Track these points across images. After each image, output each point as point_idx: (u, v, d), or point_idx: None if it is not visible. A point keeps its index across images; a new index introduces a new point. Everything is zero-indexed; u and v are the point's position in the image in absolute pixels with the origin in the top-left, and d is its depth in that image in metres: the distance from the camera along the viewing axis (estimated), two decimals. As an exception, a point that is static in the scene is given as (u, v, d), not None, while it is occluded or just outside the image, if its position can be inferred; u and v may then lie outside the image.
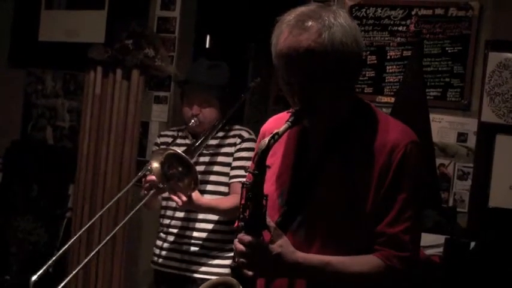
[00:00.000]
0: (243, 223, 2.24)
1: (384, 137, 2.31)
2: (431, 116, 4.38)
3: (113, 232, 4.00)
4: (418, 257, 2.36)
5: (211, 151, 3.86)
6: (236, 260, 2.26)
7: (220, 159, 3.85)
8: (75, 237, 4.14)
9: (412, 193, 2.30)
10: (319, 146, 2.38)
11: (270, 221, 2.26)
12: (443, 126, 4.64)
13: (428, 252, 3.76)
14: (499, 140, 4.49)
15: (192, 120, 3.84)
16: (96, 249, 3.80)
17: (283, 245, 2.23)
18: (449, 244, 3.73)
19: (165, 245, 3.94)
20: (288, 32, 2.23)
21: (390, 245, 2.27)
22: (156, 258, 3.99)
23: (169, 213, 3.96)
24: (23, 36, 6.07)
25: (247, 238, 2.21)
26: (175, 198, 3.62)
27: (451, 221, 4.18)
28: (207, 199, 3.73)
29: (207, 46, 6.30)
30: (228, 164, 3.84)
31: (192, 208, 3.73)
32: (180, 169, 3.65)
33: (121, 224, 4.09)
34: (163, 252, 3.94)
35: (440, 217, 4.06)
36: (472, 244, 3.78)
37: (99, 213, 4.20)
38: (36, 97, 6.11)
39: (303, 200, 2.34)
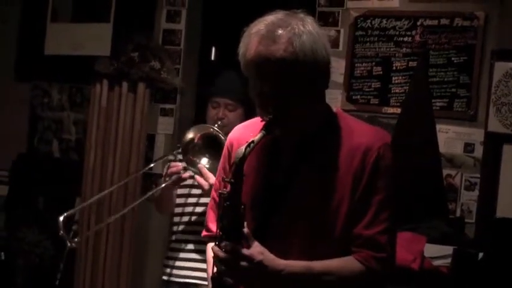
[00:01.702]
0: (221, 232, 2.25)
1: (356, 140, 2.33)
2: (438, 126, 4.38)
3: (123, 212, 4.05)
4: (395, 257, 2.37)
5: None
6: (216, 269, 2.27)
7: None
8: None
9: (388, 194, 2.31)
10: (292, 153, 2.38)
11: (247, 230, 2.26)
12: (450, 137, 4.63)
13: (436, 263, 3.74)
14: (506, 150, 4.47)
15: (216, 125, 3.85)
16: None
17: (264, 252, 2.24)
18: (457, 255, 3.71)
19: (172, 254, 3.95)
20: (258, 42, 2.22)
21: (367, 246, 2.29)
22: (168, 270, 3.99)
23: (185, 219, 3.96)
24: (28, 50, 6.07)
25: (229, 246, 2.21)
26: (202, 181, 3.63)
27: (458, 231, 4.17)
28: None
29: (213, 58, 6.30)
30: None
31: None
32: (210, 154, 3.73)
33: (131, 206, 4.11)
34: (177, 263, 3.95)
35: (447, 228, 4.05)
36: (480, 255, 3.76)
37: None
38: (42, 110, 6.11)
39: (277, 208, 2.35)
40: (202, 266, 3.81)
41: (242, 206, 2.23)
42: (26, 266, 5.93)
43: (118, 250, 5.50)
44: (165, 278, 4.00)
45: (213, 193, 2.60)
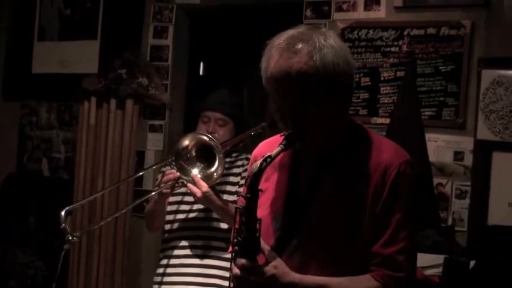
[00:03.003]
0: (237, 247, 2.24)
1: (377, 157, 2.31)
2: (427, 135, 4.37)
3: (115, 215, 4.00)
4: (414, 276, 2.35)
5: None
6: (232, 284, 2.25)
7: (231, 179, 3.86)
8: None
9: (407, 213, 2.29)
10: (312, 168, 2.36)
11: (265, 244, 2.25)
12: (440, 146, 4.62)
13: (428, 272, 3.73)
14: (495, 157, 4.46)
15: None
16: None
17: (278, 266, 2.22)
18: (448, 263, 3.70)
19: (165, 270, 3.91)
20: (278, 56, 2.22)
21: (385, 265, 2.26)
22: (158, 286, 3.95)
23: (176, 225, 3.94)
24: (16, 69, 6.07)
25: (241, 261, 2.20)
26: (194, 189, 3.60)
27: (450, 240, 4.16)
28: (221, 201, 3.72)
29: (201, 73, 6.29)
30: (237, 184, 3.85)
31: (207, 204, 3.68)
32: (203, 162, 3.72)
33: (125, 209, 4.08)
34: (164, 278, 3.92)
35: (439, 236, 4.03)
36: (472, 263, 3.75)
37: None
38: (31, 129, 6.09)
39: (297, 223, 2.33)
40: (196, 279, 3.81)
41: (258, 221, 2.22)
42: (18, 287, 5.90)
43: (110, 267, 5.48)
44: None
45: None
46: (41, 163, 6.05)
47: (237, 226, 2.25)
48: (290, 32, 2.28)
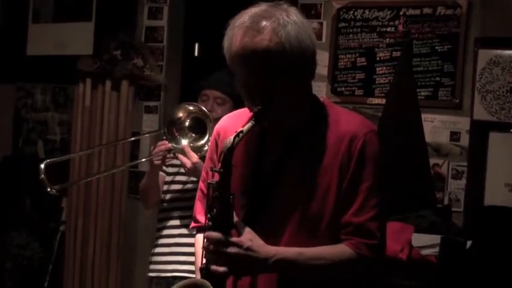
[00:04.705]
0: (210, 222, 2.23)
1: (342, 129, 2.33)
2: (423, 116, 4.36)
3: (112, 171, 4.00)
4: (385, 244, 2.35)
5: None
6: (205, 259, 2.25)
7: None
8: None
9: (376, 181, 2.30)
10: (279, 143, 2.37)
11: (238, 219, 2.26)
12: (436, 126, 4.62)
13: (425, 252, 3.73)
14: (492, 137, 4.47)
15: None
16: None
17: (253, 239, 2.22)
18: (445, 243, 3.70)
19: (159, 249, 3.93)
20: (242, 34, 2.22)
21: (358, 234, 2.27)
22: (152, 266, 3.96)
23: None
24: (11, 51, 6.04)
25: (216, 235, 2.19)
26: (184, 159, 3.63)
27: (446, 220, 4.15)
28: None
29: (196, 54, 6.27)
30: None
31: (197, 175, 3.66)
32: (194, 134, 3.78)
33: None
34: (158, 258, 3.93)
35: (435, 217, 4.03)
36: (469, 243, 3.75)
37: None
38: (26, 111, 6.08)
39: (265, 199, 2.34)
40: (190, 259, 3.81)
41: (231, 196, 2.22)
42: (14, 268, 5.91)
43: (106, 249, 5.48)
44: (152, 274, 3.97)
45: (201, 184, 2.59)
46: (36, 145, 6.05)
47: (210, 202, 2.25)
48: (253, 10, 2.28)
